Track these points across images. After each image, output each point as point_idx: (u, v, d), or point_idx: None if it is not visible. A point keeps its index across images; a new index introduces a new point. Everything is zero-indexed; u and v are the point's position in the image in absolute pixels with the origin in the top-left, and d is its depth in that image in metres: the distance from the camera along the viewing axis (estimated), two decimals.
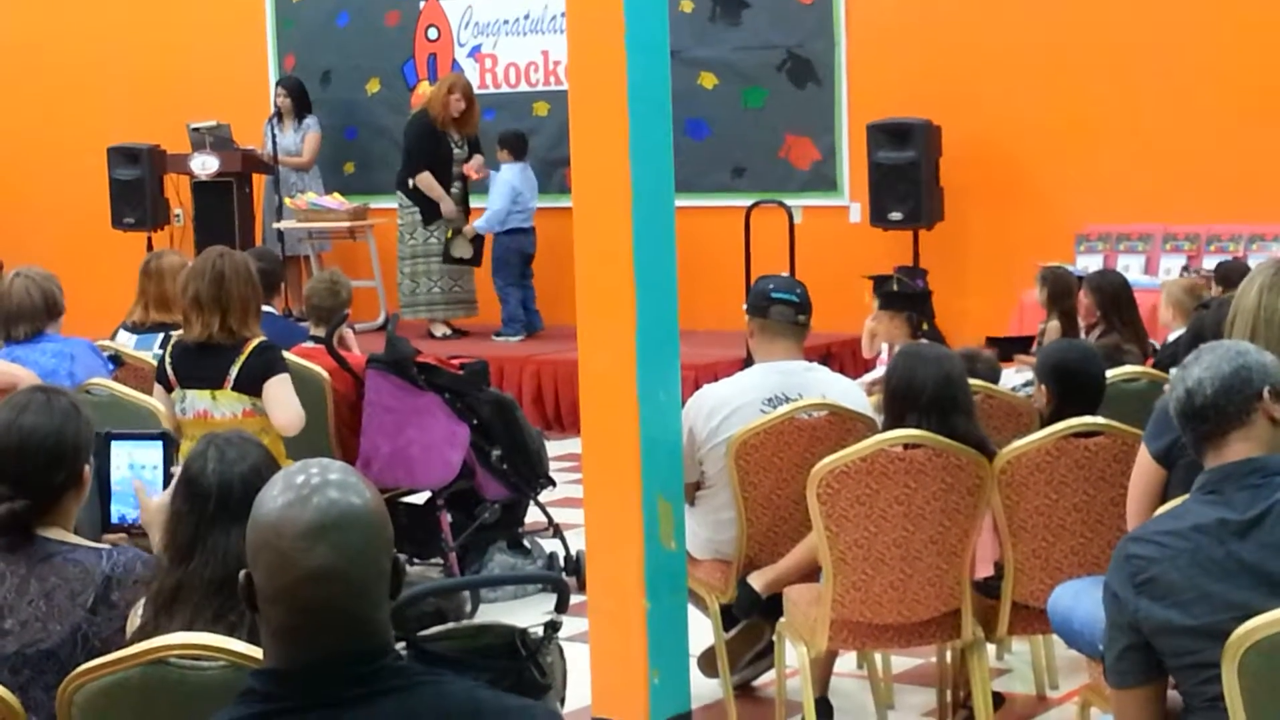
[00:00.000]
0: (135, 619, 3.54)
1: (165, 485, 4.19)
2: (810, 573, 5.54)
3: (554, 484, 7.78)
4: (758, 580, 5.72)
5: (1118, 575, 3.61)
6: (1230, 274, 8.14)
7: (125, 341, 7.57)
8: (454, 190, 12.16)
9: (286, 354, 6.74)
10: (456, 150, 12.15)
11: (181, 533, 3.48)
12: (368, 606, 2.53)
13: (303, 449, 6.21)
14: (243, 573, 2.56)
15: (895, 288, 7.82)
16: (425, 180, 12.05)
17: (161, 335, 7.11)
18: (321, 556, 2.49)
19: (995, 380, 6.44)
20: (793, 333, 5.92)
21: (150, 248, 13.24)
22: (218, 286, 6.38)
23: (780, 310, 5.89)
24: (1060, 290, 8.22)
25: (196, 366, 6.45)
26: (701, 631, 5.78)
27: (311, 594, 2.49)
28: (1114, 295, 7.84)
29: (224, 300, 6.38)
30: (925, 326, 7.75)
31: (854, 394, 5.97)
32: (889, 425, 5.33)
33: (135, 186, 13.42)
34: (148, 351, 7.18)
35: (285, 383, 6.45)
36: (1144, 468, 4.80)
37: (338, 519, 2.50)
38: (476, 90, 12.82)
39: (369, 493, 2.57)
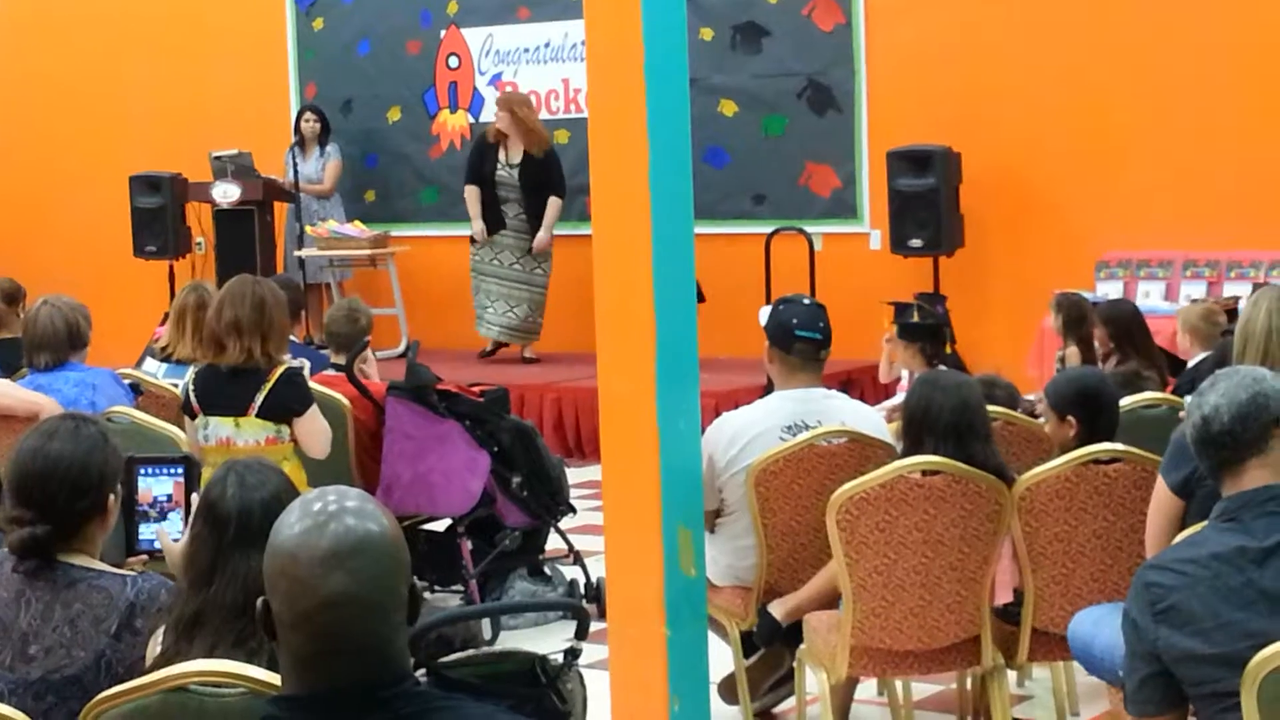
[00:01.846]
0: (155, 647, 3.56)
1: (187, 510, 4.21)
2: (831, 600, 5.54)
3: (574, 511, 7.78)
4: (778, 609, 5.73)
5: (1137, 603, 3.61)
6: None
7: (153, 370, 7.58)
8: (504, 209, 12.09)
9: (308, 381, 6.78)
10: (502, 172, 12.05)
11: (201, 558, 3.50)
12: (385, 632, 2.53)
13: (324, 476, 6.23)
14: (260, 600, 2.57)
15: (916, 315, 7.82)
16: (467, 194, 12.17)
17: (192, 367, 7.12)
18: (339, 583, 2.50)
19: (1014, 406, 6.43)
20: (814, 366, 5.94)
21: (172, 276, 13.31)
22: (259, 312, 6.41)
23: (803, 348, 5.91)
24: (1074, 316, 8.20)
25: (221, 394, 6.48)
26: (722, 658, 5.77)
27: (329, 620, 2.50)
28: (1126, 325, 7.82)
29: (265, 325, 6.41)
30: (949, 350, 7.76)
31: (873, 421, 5.98)
32: (907, 451, 5.34)
33: (157, 215, 13.47)
34: (174, 380, 7.18)
35: (315, 415, 6.52)
36: (1162, 499, 4.79)
37: (355, 545, 2.52)
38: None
39: (386, 519, 2.58)
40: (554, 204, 12.06)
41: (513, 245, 12.16)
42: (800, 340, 5.91)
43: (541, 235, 12.04)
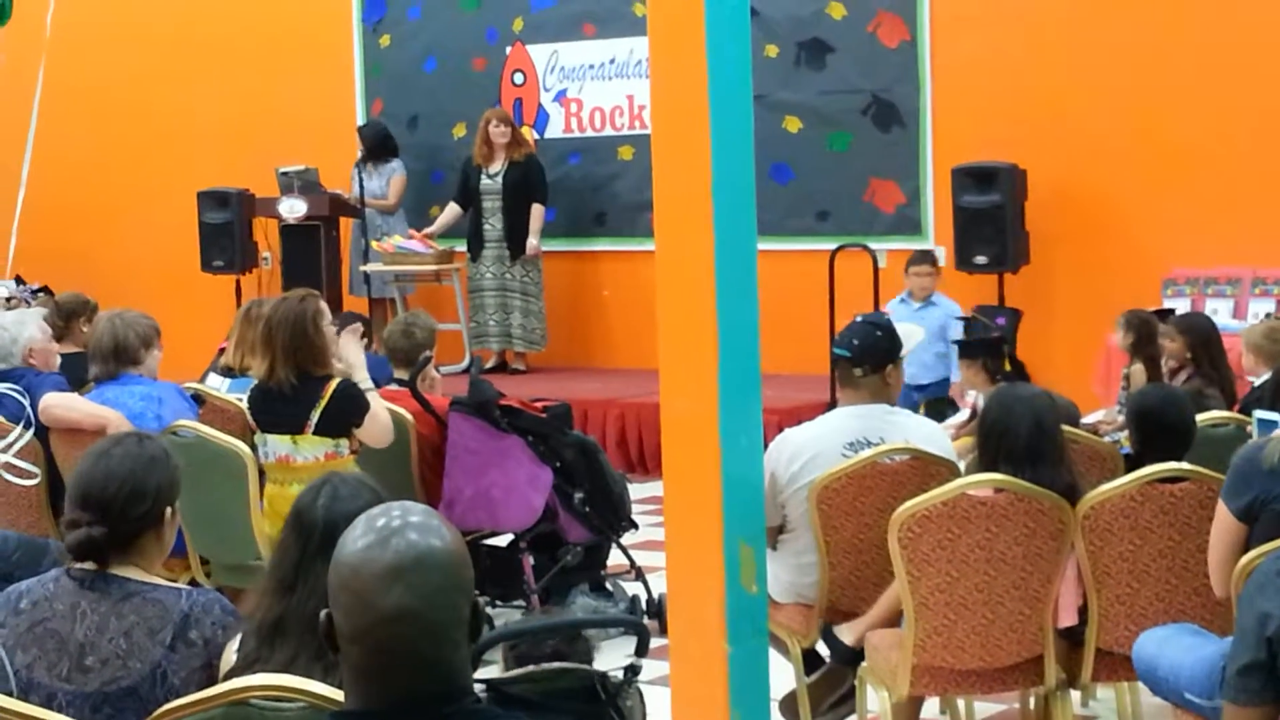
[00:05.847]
0: (230, 655, 3.58)
1: None
2: (896, 620, 5.51)
3: (636, 526, 7.77)
4: (848, 634, 5.66)
5: (1270, 591, 3.58)
6: None
7: (217, 384, 7.63)
8: (487, 226, 12.60)
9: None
10: (487, 181, 12.62)
11: (286, 563, 3.54)
12: (445, 648, 2.54)
13: (387, 490, 6.23)
14: (324, 613, 2.58)
15: (972, 332, 7.78)
16: (447, 210, 12.96)
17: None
18: (398, 597, 2.50)
19: (1074, 424, 6.40)
20: (862, 383, 5.89)
21: (239, 291, 13.39)
22: (266, 332, 6.54)
23: (840, 365, 5.90)
24: (1143, 335, 8.15)
25: (276, 411, 6.52)
26: (783, 676, 5.76)
27: (388, 635, 2.51)
28: (1205, 337, 7.78)
29: (273, 347, 6.51)
30: (1008, 367, 7.70)
31: (937, 437, 5.94)
32: (982, 468, 5.30)
33: (225, 230, 13.57)
34: (238, 394, 7.22)
35: (374, 414, 6.56)
36: (1225, 525, 4.74)
37: (416, 561, 2.52)
38: (561, 134, 13.03)
39: (449, 535, 2.58)
40: (537, 210, 12.53)
41: (500, 256, 12.64)
42: (837, 358, 5.91)
43: (532, 240, 12.51)
